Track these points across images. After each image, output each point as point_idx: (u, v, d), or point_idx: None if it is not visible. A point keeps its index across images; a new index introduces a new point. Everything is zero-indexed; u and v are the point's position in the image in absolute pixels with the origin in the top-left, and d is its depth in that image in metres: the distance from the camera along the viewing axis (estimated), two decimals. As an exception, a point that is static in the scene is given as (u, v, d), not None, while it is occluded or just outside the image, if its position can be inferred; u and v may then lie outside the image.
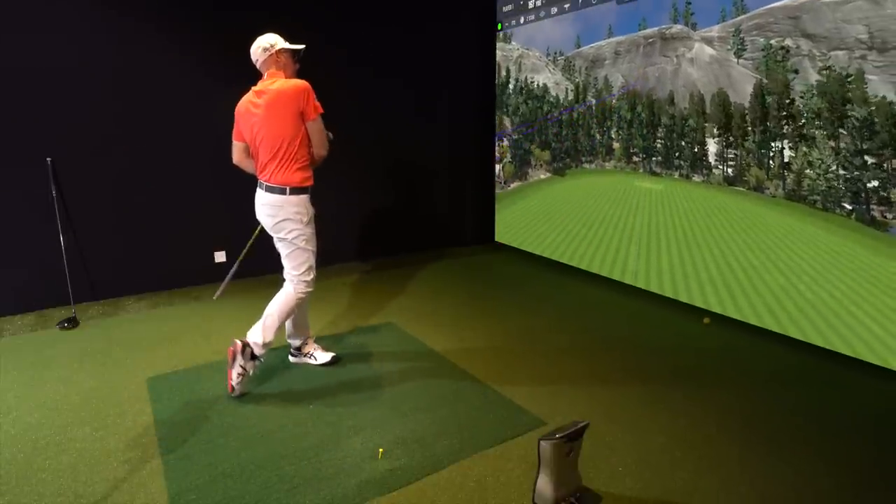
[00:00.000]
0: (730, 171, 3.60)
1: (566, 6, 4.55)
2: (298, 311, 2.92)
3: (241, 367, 2.66)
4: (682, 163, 3.90)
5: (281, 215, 2.69)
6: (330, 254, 5.20)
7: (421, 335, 3.47)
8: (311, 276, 2.81)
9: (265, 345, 2.72)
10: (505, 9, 5.26)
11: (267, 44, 2.69)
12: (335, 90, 4.91)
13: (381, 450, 2.25)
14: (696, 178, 3.80)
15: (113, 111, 4.01)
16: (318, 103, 2.69)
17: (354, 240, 5.35)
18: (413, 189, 5.54)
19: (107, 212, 4.12)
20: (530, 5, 4.94)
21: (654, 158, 4.11)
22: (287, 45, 2.74)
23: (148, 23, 4.04)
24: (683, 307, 3.82)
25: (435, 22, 5.33)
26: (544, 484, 1.89)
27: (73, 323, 3.70)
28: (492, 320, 3.75)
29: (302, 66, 2.65)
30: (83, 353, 3.27)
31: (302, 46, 2.79)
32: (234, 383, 2.66)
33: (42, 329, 3.67)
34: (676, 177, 3.94)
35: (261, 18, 4.40)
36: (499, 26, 5.40)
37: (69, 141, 3.91)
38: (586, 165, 4.70)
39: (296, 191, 2.68)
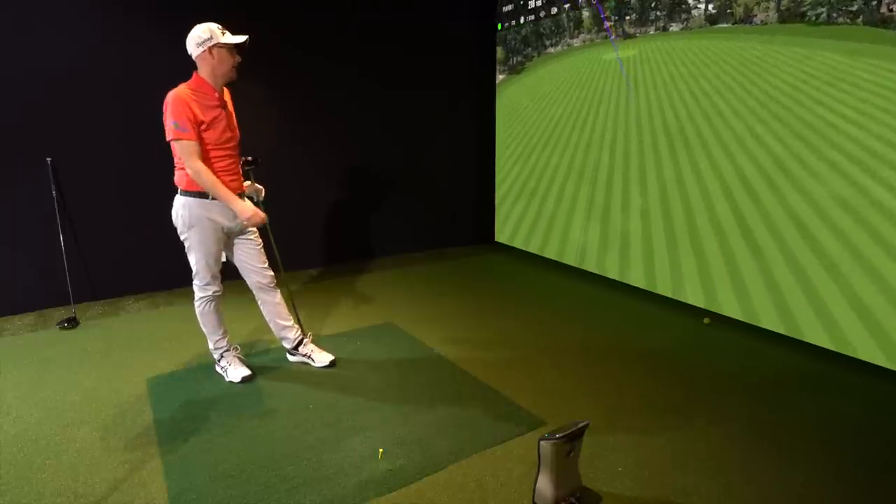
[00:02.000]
0: (711, 7, 3.23)
1: (566, 6, 4.55)
2: (213, 316, 2.85)
3: (219, 369, 2.97)
4: (658, 13, 3.57)
5: (173, 214, 2.71)
6: (329, 253, 5.21)
7: (421, 335, 3.47)
8: (204, 282, 2.77)
9: (213, 349, 2.95)
10: (505, 9, 5.26)
11: (199, 38, 2.53)
12: (335, 90, 4.93)
13: (381, 450, 2.24)
14: (675, 27, 3.45)
15: (113, 111, 4.01)
16: (174, 127, 2.49)
17: (354, 239, 5.35)
18: (413, 189, 5.54)
19: (107, 212, 4.12)
20: (530, 5, 4.94)
21: (627, 18, 3.77)
22: (224, 40, 2.55)
23: (149, 23, 4.05)
24: (684, 307, 3.82)
25: (435, 21, 5.33)
26: (544, 484, 1.89)
27: (73, 323, 3.70)
28: (492, 320, 3.75)
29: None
30: (83, 353, 3.27)
31: (243, 39, 2.58)
32: (228, 379, 2.93)
33: (42, 329, 3.67)
34: (653, 32, 3.60)
35: (261, 19, 4.41)
36: (499, 26, 5.40)
37: (69, 141, 3.91)
38: (551, 50, 4.27)
39: (184, 193, 2.65)
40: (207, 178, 2.55)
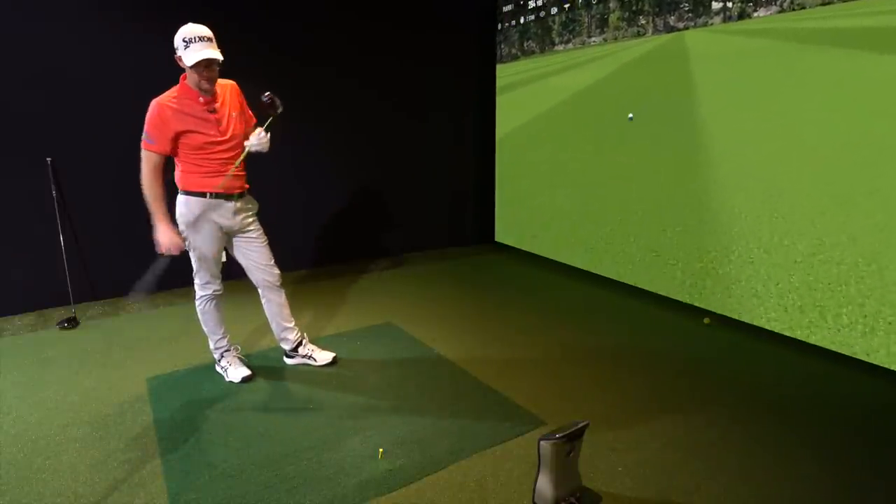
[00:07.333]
0: None
1: (566, 6, 4.55)
2: (213, 315, 2.86)
3: (220, 369, 2.98)
4: None
5: (175, 214, 2.70)
6: (329, 253, 5.21)
7: (421, 335, 3.47)
8: (203, 280, 2.78)
9: (214, 349, 2.96)
10: (505, 9, 5.26)
11: (175, 43, 2.45)
12: (335, 91, 4.93)
13: (381, 450, 2.24)
14: (761, 12, 2.49)
15: (113, 111, 4.01)
16: (144, 137, 2.51)
17: (354, 239, 5.34)
18: (413, 189, 5.53)
19: (107, 212, 4.12)
20: (531, 5, 4.93)
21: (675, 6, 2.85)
22: (185, 56, 2.42)
23: (150, 23, 4.04)
24: (685, 307, 3.82)
25: (435, 21, 5.33)
26: (544, 484, 1.89)
27: (73, 323, 3.70)
28: (492, 320, 3.75)
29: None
30: (83, 353, 3.27)
31: (200, 58, 2.40)
32: (228, 379, 2.93)
33: (42, 329, 3.67)
34: (718, 23, 2.71)
35: (262, 19, 4.41)
36: (499, 27, 5.39)
37: (69, 141, 3.91)
38: (559, 48, 3.57)
39: (184, 192, 2.66)
40: (148, 192, 2.57)
